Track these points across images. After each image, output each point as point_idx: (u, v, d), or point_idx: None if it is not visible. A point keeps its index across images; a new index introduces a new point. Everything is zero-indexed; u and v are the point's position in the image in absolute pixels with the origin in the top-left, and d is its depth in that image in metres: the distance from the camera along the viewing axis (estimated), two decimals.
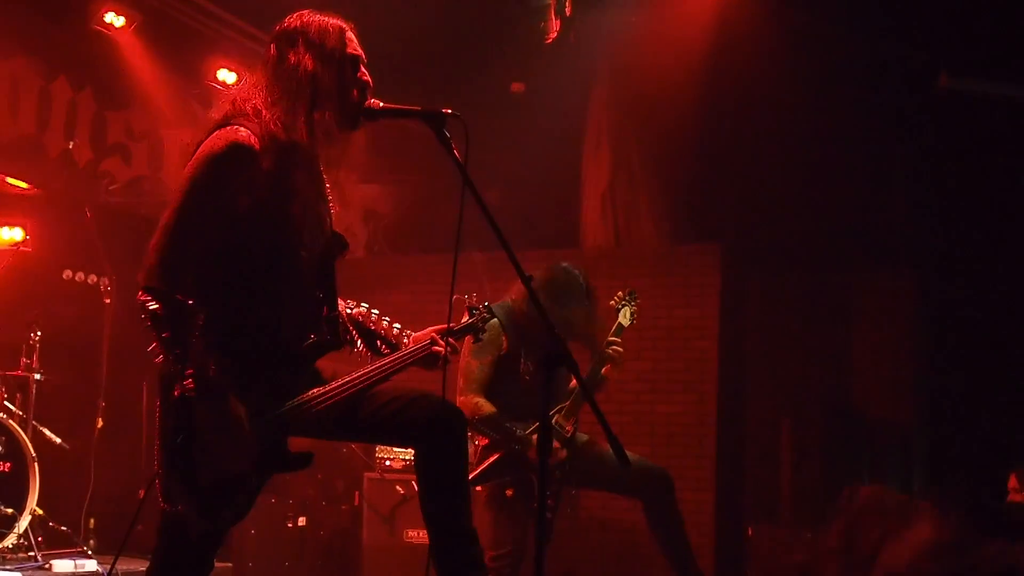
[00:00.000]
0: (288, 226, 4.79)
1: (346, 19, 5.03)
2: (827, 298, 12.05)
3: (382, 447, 10.12)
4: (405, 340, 5.35)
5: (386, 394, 5.02)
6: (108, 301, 10.35)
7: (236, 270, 4.72)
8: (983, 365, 10.55)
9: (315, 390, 4.90)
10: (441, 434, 5.00)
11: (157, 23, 10.99)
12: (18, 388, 9.50)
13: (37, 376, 9.48)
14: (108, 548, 9.62)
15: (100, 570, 8.63)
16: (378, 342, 5.37)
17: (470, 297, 5.61)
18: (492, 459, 7.61)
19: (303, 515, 10.53)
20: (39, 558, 8.67)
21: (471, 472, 7.47)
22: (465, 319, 5.54)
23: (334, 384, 4.94)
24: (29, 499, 8.85)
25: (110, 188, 11.60)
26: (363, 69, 4.98)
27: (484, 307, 5.62)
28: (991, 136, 10.48)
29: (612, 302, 8.11)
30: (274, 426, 4.78)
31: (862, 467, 10.53)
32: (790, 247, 11.68)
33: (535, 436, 7.38)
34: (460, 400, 7.63)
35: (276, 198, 4.72)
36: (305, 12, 5.00)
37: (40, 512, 9.02)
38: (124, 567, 8.29)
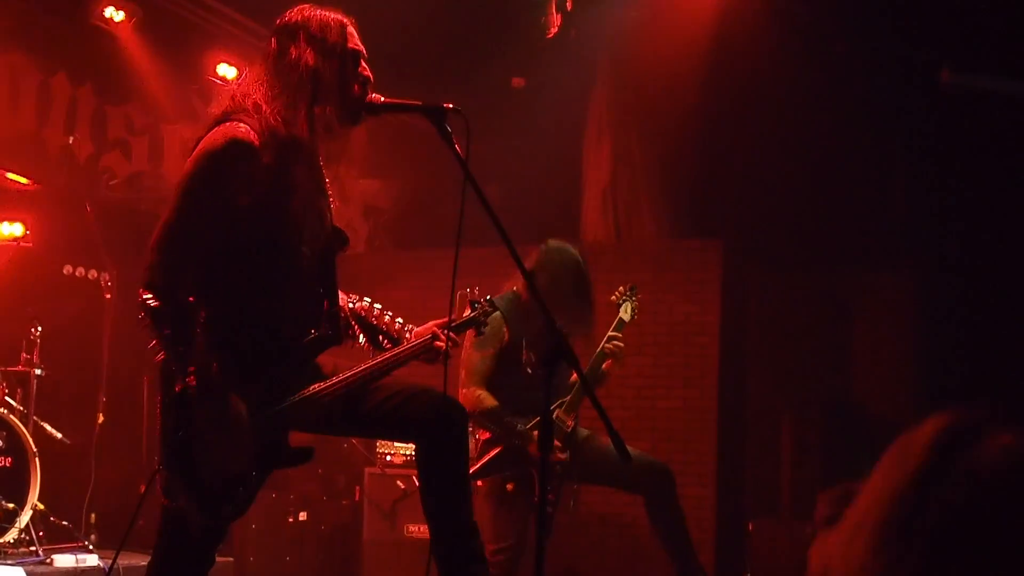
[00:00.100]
0: (288, 222, 4.80)
1: (346, 14, 5.03)
2: (828, 294, 12.05)
3: (383, 442, 10.13)
4: (407, 335, 5.35)
5: (387, 389, 5.03)
6: (109, 296, 10.33)
7: (237, 266, 4.72)
8: (983, 362, 10.55)
9: (316, 385, 4.90)
10: (442, 429, 5.01)
11: (157, 18, 10.98)
12: (19, 383, 9.48)
13: (38, 371, 9.47)
14: (109, 543, 9.60)
15: (101, 565, 8.62)
16: (380, 337, 5.37)
17: (472, 291, 5.61)
18: (493, 453, 7.60)
19: (304, 510, 10.54)
20: (40, 553, 8.65)
21: (472, 466, 7.46)
22: (467, 313, 5.54)
23: (335, 379, 4.95)
24: (30, 494, 8.84)
25: (110, 183, 11.59)
26: (364, 64, 4.98)
27: (486, 301, 5.62)
28: (993, 134, 10.48)
29: (613, 297, 8.09)
30: (275, 422, 4.79)
31: (862, 463, 10.51)
32: (791, 243, 11.69)
33: (536, 431, 7.38)
34: (462, 393, 7.62)
35: (276, 193, 4.72)
36: (306, 7, 4.99)
37: (41, 507, 9.01)
38: (125, 562, 8.29)
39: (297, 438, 4.92)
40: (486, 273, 6.10)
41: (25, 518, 8.73)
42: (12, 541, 8.66)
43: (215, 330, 4.59)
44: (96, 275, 10.67)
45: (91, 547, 9.23)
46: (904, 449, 2.10)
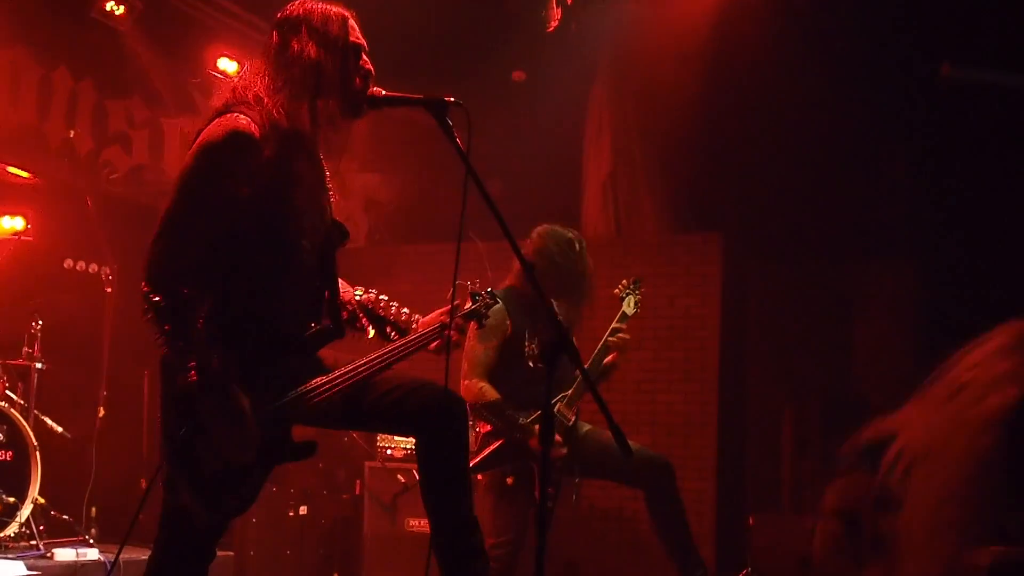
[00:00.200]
0: (289, 215, 4.79)
1: (347, 7, 5.03)
2: (828, 287, 12.05)
3: (383, 436, 10.13)
4: (414, 325, 5.36)
5: (388, 383, 5.03)
6: (109, 290, 10.33)
7: (237, 259, 4.71)
8: None
9: (318, 379, 4.90)
10: (442, 423, 5.00)
11: (157, 12, 11.00)
12: (19, 377, 9.48)
13: (38, 365, 9.47)
14: (110, 537, 9.61)
15: (102, 559, 8.63)
16: (388, 328, 5.37)
17: (473, 283, 5.61)
18: (493, 447, 7.60)
19: (304, 504, 10.54)
20: (41, 547, 8.66)
21: (472, 459, 7.47)
22: (468, 305, 5.54)
23: (337, 373, 4.94)
24: (31, 488, 8.84)
25: (111, 177, 11.60)
26: (365, 57, 4.98)
27: (487, 293, 5.62)
28: (993, 127, 10.47)
29: (616, 291, 8.09)
30: (278, 416, 4.78)
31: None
32: (791, 237, 11.69)
33: (537, 425, 7.38)
34: (464, 385, 7.63)
35: (277, 186, 4.72)
36: (307, 0, 4.99)
37: (42, 501, 9.01)
38: (126, 556, 8.23)
39: (299, 432, 4.92)
40: (487, 267, 6.11)
41: (26, 512, 8.73)
42: (12, 535, 8.66)
43: (216, 324, 4.58)
44: (97, 269, 10.67)
45: (92, 541, 9.24)
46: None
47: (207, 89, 11.46)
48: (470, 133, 4.62)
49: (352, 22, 4.98)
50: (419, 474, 5.15)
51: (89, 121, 11.32)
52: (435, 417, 4.97)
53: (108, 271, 10.38)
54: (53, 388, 9.83)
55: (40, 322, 9.55)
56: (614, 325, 7.87)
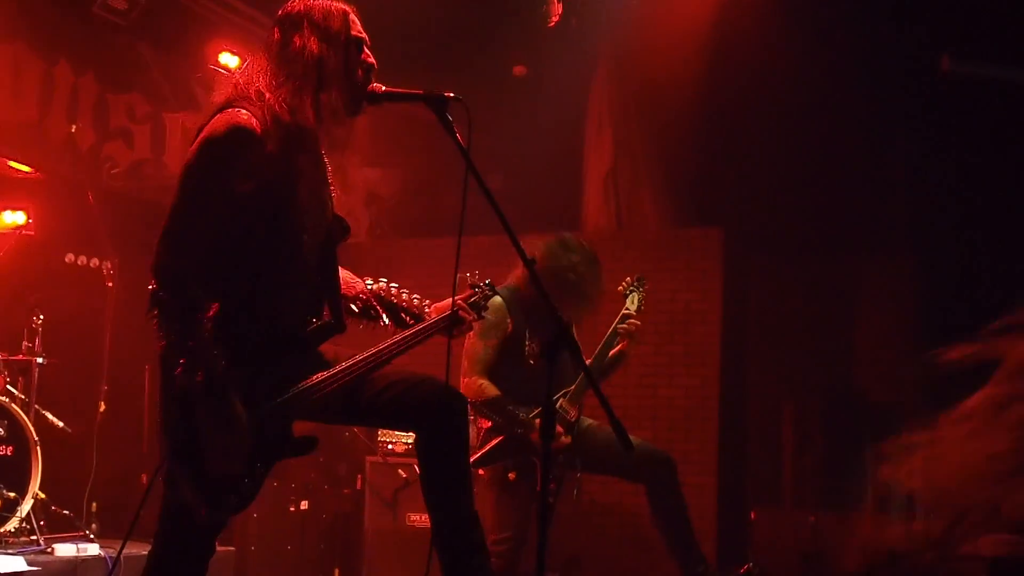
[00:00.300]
0: (291, 210, 4.80)
1: (348, 1, 5.03)
2: (829, 282, 12.05)
3: (384, 431, 10.13)
4: (427, 310, 5.38)
5: (388, 379, 5.03)
6: (111, 285, 10.34)
7: (239, 254, 4.71)
8: None
9: (319, 375, 4.90)
10: (442, 418, 5.01)
11: (158, 7, 10.98)
12: (20, 372, 9.49)
13: (39, 360, 9.47)
14: (110, 532, 9.61)
15: (102, 554, 8.63)
16: (402, 315, 5.39)
17: (473, 275, 5.63)
18: (495, 442, 7.61)
19: (305, 499, 10.54)
20: (41, 542, 8.65)
21: (473, 455, 7.48)
22: (468, 295, 5.55)
23: (337, 368, 4.94)
24: (31, 483, 8.84)
25: (112, 172, 11.59)
26: (367, 51, 4.98)
27: (486, 284, 5.64)
28: (994, 120, 10.46)
29: (620, 287, 8.08)
30: (279, 412, 4.78)
31: (864, 451, 10.52)
32: (792, 231, 11.68)
33: (538, 420, 7.37)
34: (464, 382, 7.64)
35: (279, 181, 4.72)
36: None
37: (42, 496, 9.01)
38: (126, 551, 8.27)
39: (300, 427, 4.92)
40: (488, 262, 6.10)
41: (26, 507, 8.73)
42: (13, 530, 8.66)
43: (219, 320, 4.58)
44: (98, 264, 10.69)
45: (92, 536, 9.24)
46: None
47: (209, 84, 11.47)
48: (470, 128, 4.63)
49: (353, 16, 4.99)
50: (419, 469, 5.15)
51: (90, 116, 11.31)
52: (435, 413, 4.98)
53: (109, 266, 10.39)
54: (54, 383, 9.83)
55: (41, 317, 9.56)
56: (623, 313, 7.87)
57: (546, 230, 8.15)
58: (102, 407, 10.23)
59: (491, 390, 7.58)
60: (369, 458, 10.26)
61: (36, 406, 9.39)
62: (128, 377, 10.59)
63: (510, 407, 7.52)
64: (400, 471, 9.95)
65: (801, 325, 11.84)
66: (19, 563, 7.87)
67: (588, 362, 7.39)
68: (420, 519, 9.72)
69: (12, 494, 8.70)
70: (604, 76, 12.60)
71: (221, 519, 4.82)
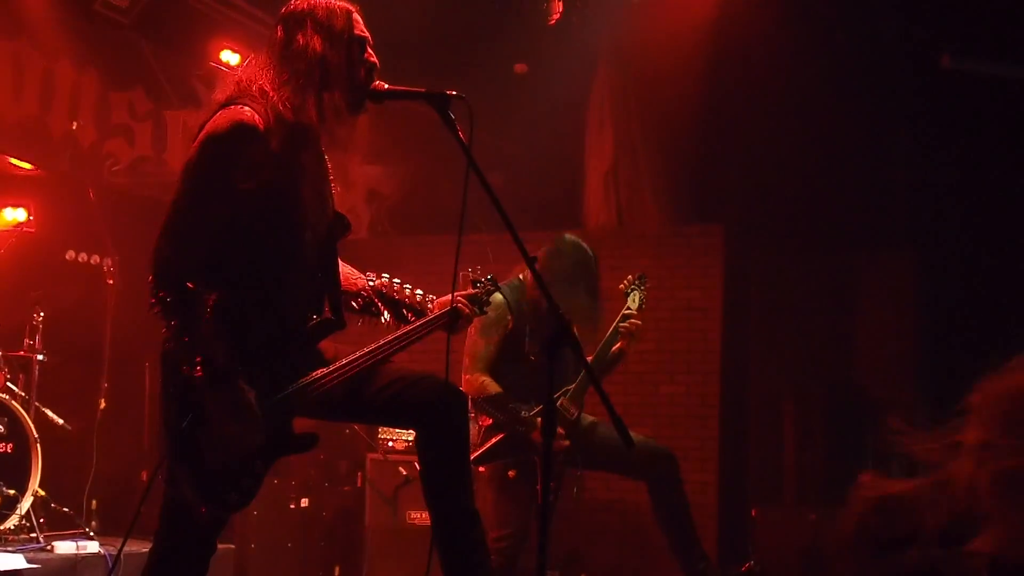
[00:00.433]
0: (293, 206, 4.81)
1: (351, 1, 5.03)
2: (830, 278, 12.04)
3: (385, 428, 10.12)
4: (429, 305, 5.39)
5: (388, 376, 5.04)
6: (111, 282, 10.34)
7: (240, 251, 4.72)
8: (986, 344, 10.53)
9: (319, 371, 4.91)
10: (442, 416, 5.02)
11: (159, 4, 10.97)
12: (21, 369, 9.49)
13: (40, 357, 9.47)
14: (110, 530, 9.60)
15: (102, 551, 8.62)
16: (404, 310, 5.39)
17: (474, 271, 5.63)
18: (495, 440, 7.60)
19: (306, 496, 10.54)
20: (41, 539, 8.65)
21: (474, 452, 7.48)
22: (469, 291, 5.55)
23: (337, 364, 4.95)
24: (31, 480, 8.83)
25: (113, 169, 11.59)
26: (370, 50, 4.99)
27: (488, 280, 5.64)
28: (993, 115, 10.47)
29: (621, 286, 8.07)
30: (280, 409, 4.78)
31: (865, 447, 10.52)
32: (792, 227, 11.68)
33: (540, 418, 7.37)
34: (466, 379, 7.64)
35: (281, 178, 4.73)
36: None
37: (42, 493, 9.01)
38: (126, 549, 8.27)
39: (300, 424, 4.92)
40: (489, 259, 6.09)
41: (26, 504, 8.73)
42: (13, 528, 8.66)
43: (220, 316, 4.58)
44: (99, 261, 10.68)
45: (92, 534, 9.23)
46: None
47: (210, 81, 11.47)
48: (472, 126, 4.62)
49: (356, 15, 5.00)
50: (420, 467, 5.16)
51: (92, 113, 11.31)
52: (435, 410, 4.99)
53: (110, 263, 10.38)
54: (54, 380, 9.82)
55: (41, 314, 9.55)
56: (624, 312, 7.87)
57: (547, 227, 8.18)
58: (102, 404, 10.23)
59: (492, 387, 7.58)
60: (370, 455, 10.26)
61: (36, 403, 9.38)
62: (128, 374, 10.58)
63: (511, 405, 7.52)
64: (401, 468, 9.94)
65: (802, 322, 11.84)
66: (19, 561, 7.87)
67: (589, 359, 7.38)
68: (421, 517, 9.71)
69: (12, 491, 8.69)
70: (605, 74, 12.59)
71: (221, 517, 4.83)
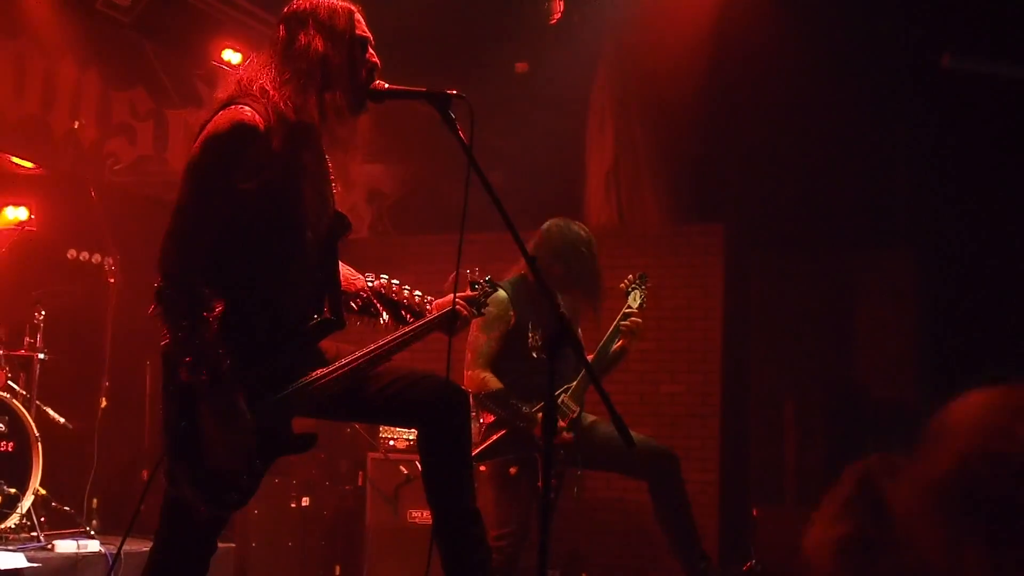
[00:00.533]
0: (294, 206, 4.81)
1: (353, 1, 5.04)
2: (830, 277, 12.04)
3: (386, 427, 10.12)
4: (428, 306, 5.40)
5: (389, 375, 5.05)
6: (112, 280, 10.34)
7: (241, 250, 4.72)
8: (986, 343, 10.53)
9: (319, 371, 4.91)
10: (443, 415, 5.02)
11: (161, 3, 10.98)
12: (22, 367, 9.49)
13: (41, 355, 9.47)
14: (111, 528, 9.60)
15: (103, 550, 8.62)
16: (402, 311, 5.40)
17: (473, 272, 5.64)
18: (496, 437, 7.60)
19: (307, 495, 10.54)
20: (42, 538, 8.66)
21: (475, 449, 7.48)
22: (467, 293, 5.56)
23: (337, 364, 4.95)
24: (32, 479, 8.84)
25: (115, 168, 11.61)
26: (372, 50, 5.00)
27: (486, 281, 5.64)
28: (994, 115, 10.46)
29: (622, 285, 8.06)
30: (280, 408, 4.79)
31: (866, 446, 10.53)
32: (793, 227, 11.68)
33: (541, 415, 7.37)
34: (468, 375, 7.65)
35: (282, 178, 4.73)
36: None
37: (43, 492, 9.01)
38: (126, 548, 8.27)
39: (300, 424, 4.93)
40: (489, 258, 6.11)
41: (27, 503, 8.73)
42: (13, 526, 8.66)
43: (223, 317, 4.58)
44: (100, 259, 10.68)
45: (93, 532, 9.24)
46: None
47: (211, 80, 11.48)
48: (473, 125, 4.63)
49: (358, 15, 5.01)
50: (421, 465, 5.17)
51: (93, 112, 11.32)
52: (436, 409, 5.00)
53: (111, 261, 10.39)
54: (55, 378, 9.83)
55: (43, 312, 9.56)
56: (625, 311, 7.87)
57: (546, 222, 8.16)
58: (103, 403, 10.23)
59: (494, 383, 7.58)
60: (371, 454, 10.26)
61: (37, 402, 9.39)
62: (129, 373, 10.59)
63: (513, 400, 7.52)
64: (401, 467, 9.95)
65: (803, 321, 11.84)
66: (19, 559, 7.87)
67: (590, 358, 7.38)
68: (421, 515, 9.72)
69: (13, 490, 8.70)
70: (606, 73, 12.59)
71: (221, 516, 4.83)
